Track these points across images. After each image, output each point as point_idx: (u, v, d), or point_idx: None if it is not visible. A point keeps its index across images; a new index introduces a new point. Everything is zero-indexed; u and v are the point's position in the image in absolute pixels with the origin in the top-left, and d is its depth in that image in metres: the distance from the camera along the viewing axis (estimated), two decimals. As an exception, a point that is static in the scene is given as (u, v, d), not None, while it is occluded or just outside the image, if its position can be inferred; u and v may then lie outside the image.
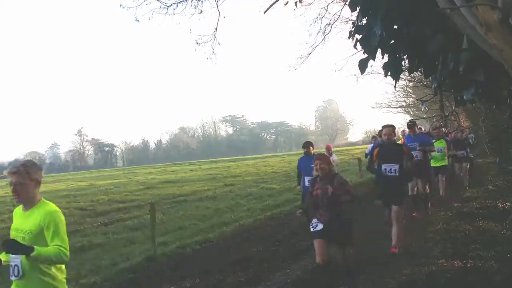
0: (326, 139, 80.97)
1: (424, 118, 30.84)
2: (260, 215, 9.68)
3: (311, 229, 4.17)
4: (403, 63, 3.61)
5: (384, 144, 5.60)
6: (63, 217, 2.55)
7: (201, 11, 8.07)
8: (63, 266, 2.59)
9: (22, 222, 2.52)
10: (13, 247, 2.26)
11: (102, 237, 8.56)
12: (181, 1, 7.93)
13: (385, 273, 4.54)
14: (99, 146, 78.61)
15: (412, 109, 33.61)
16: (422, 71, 3.57)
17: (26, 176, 2.48)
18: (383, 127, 6.51)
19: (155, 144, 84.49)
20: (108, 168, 60.30)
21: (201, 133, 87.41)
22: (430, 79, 3.69)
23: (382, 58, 3.48)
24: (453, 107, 18.68)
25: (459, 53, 2.83)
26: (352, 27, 3.62)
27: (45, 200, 2.61)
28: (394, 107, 34.59)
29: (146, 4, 7.80)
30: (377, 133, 8.34)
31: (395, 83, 4.07)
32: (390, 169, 5.38)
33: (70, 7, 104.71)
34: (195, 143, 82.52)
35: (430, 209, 7.73)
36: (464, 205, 7.76)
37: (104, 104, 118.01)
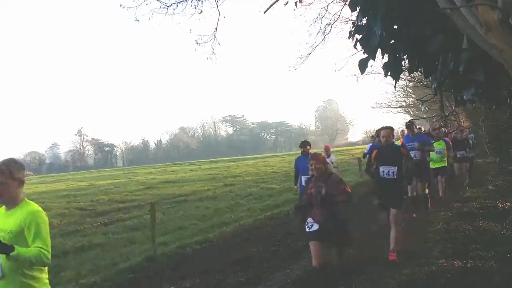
0: (326, 139, 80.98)
1: (424, 118, 30.87)
2: (260, 215, 9.68)
3: (307, 229, 4.11)
4: (403, 63, 3.61)
5: (382, 146, 5.47)
6: (46, 218, 2.47)
7: (201, 11, 8.08)
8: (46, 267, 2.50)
9: (3, 222, 2.45)
10: None
11: (102, 237, 8.56)
12: (181, 1, 7.94)
13: (385, 273, 4.53)
14: (99, 146, 78.62)
15: (412, 109, 33.64)
16: (422, 71, 3.57)
17: (8, 176, 2.42)
18: (381, 128, 6.46)
19: (155, 144, 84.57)
20: (108, 168, 60.30)
21: (201, 133, 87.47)
22: (430, 79, 3.69)
23: (382, 58, 3.48)
24: (453, 107, 18.69)
25: (459, 53, 2.83)
26: (352, 27, 3.62)
27: (28, 200, 2.55)
28: (394, 107, 34.66)
29: (146, 4, 7.81)
30: (374, 133, 8.16)
31: (395, 83, 4.07)
32: (388, 171, 5.25)
33: (70, 7, 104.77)
34: (195, 143, 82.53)
35: (430, 209, 7.72)
36: (464, 205, 7.76)
37: (104, 104, 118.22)
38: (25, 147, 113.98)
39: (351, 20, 7.44)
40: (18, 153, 72.99)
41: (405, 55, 3.51)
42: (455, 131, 11.77)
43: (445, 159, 8.81)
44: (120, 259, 6.58)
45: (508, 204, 7.28)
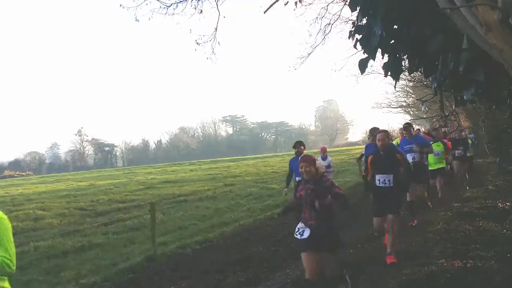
0: (326, 139, 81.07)
1: (424, 118, 30.89)
2: (260, 215, 9.68)
3: (298, 237, 3.82)
4: (403, 63, 3.61)
5: (379, 151, 5.23)
6: (9, 225, 2.36)
7: (201, 11, 8.09)
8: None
9: None
10: None
11: (102, 237, 8.57)
12: (181, 1, 7.95)
13: (385, 273, 4.54)
14: (99, 146, 78.64)
15: (412, 109, 33.66)
16: (422, 71, 3.56)
17: None
18: (374, 128, 6.36)
19: (155, 144, 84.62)
20: (108, 168, 60.31)
21: (201, 133, 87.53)
22: (430, 79, 3.68)
23: (382, 58, 3.47)
24: (453, 107, 18.69)
25: (459, 53, 2.82)
26: (352, 27, 3.62)
27: None
28: (394, 107, 34.67)
29: (146, 4, 7.83)
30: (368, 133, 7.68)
31: (395, 83, 4.07)
32: (384, 180, 5.05)
33: (70, 7, 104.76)
34: (195, 143, 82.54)
35: (429, 206, 7.67)
36: (464, 205, 7.76)
37: (104, 104, 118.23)
38: (25, 147, 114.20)
39: (351, 20, 7.45)
40: (18, 153, 73.22)
41: (405, 55, 3.50)
42: (455, 131, 11.75)
43: (443, 160, 8.77)
44: (120, 259, 6.58)
45: (508, 204, 7.28)
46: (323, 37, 12.60)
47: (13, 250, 2.28)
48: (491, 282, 3.83)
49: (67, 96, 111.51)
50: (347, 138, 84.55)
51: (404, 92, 31.36)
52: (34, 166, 70.30)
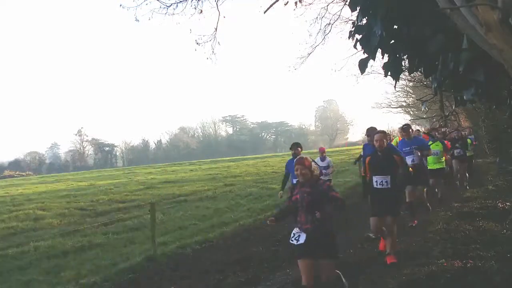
0: (326, 139, 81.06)
1: (424, 118, 30.92)
2: (260, 215, 9.68)
3: (294, 242, 3.73)
4: (403, 63, 3.61)
5: (376, 152, 5.21)
6: None
7: (201, 11, 8.08)
8: None
9: None
10: None
11: (102, 237, 8.58)
12: (181, 1, 7.94)
13: (385, 273, 4.54)
14: (99, 146, 78.60)
15: (412, 109, 33.68)
16: (422, 71, 3.56)
17: None
18: (371, 128, 6.33)
19: (155, 144, 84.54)
20: (108, 168, 60.29)
21: (201, 133, 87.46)
22: (430, 79, 3.68)
23: (382, 58, 3.47)
24: (453, 107, 18.70)
25: (459, 53, 2.82)
26: (352, 27, 3.62)
27: None
28: (394, 107, 34.70)
29: (146, 4, 7.82)
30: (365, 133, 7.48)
31: (395, 83, 4.06)
32: (382, 181, 5.03)
33: (70, 7, 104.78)
34: (195, 143, 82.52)
35: (429, 208, 7.66)
36: (464, 205, 7.76)
37: (104, 104, 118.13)
38: (25, 147, 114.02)
39: (351, 20, 7.45)
40: (18, 153, 73.20)
41: (405, 55, 3.50)
42: (454, 132, 11.73)
43: (442, 160, 8.73)
44: (120, 259, 6.59)
45: (508, 204, 7.29)
46: (323, 37, 12.61)
47: None
48: (491, 282, 3.83)
49: (67, 96, 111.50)
50: (347, 138, 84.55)
51: (404, 92, 31.41)
52: (34, 166, 70.27)
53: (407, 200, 6.83)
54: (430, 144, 8.24)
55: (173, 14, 7.99)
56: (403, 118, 38.03)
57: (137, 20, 7.92)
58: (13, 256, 7.60)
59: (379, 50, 3.40)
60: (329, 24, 12.24)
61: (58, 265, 6.77)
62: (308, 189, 3.72)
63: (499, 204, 7.41)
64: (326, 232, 3.67)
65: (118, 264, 6.28)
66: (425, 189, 7.65)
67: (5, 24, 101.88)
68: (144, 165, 54.57)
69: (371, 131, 6.13)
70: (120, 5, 7.70)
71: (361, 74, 3.65)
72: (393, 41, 3.37)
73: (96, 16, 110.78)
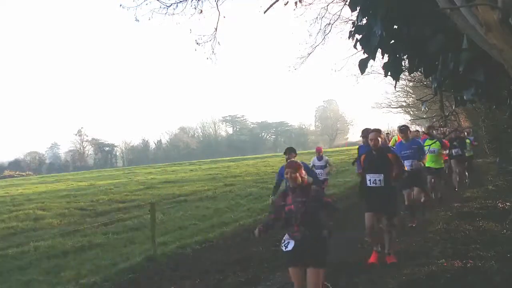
0: (326, 139, 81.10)
1: (424, 118, 30.86)
2: (260, 215, 9.69)
3: (283, 249, 3.63)
4: (403, 63, 3.61)
5: (371, 150, 5.21)
6: None
7: (201, 11, 8.06)
8: None
9: None
10: None
11: (102, 237, 8.58)
12: (181, 1, 7.92)
13: (385, 273, 4.54)
14: (99, 146, 78.57)
15: (412, 109, 33.66)
16: (422, 71, 3.56)
17: None
18: (367, 129, 6.32)
19: (155, 144, 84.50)
20: (108, 168, 60.26)
21: (201, 133, 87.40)
22: (430, 79, 3.68)
23: (382, 58, 3.47)
24: (453, 107, 18.65)
25: (459, 53, 2.83)
26: (352, 27, 3.62)
27: None
28: (394, 107, 34.72)
29: (146, 4, 7.79)
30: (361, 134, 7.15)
31: (395, 83, 4.07)
32: (375, 180, 5.03)
33: (70, 7, 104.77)
34: (195, 143, 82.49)
35: (428, 208, 7.65)
36: (464, 205, 7.77)
37: (104, 104, 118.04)
38: (25, 147, 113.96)
39: (351, 20, 7.43)
40: (18, 153, 73.19)
41: (405, 55, 3.50)
42: (453, 132, 11.72)
43: (441, 160, 8.69)
44: (120, 259, 6.59)
45: (508, 204, 7.29)
46: (323, 37, 12.56)
47: None
48: (491, 282, 3.83)
49: (67, 96, 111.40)
50: (347, 138, 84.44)
51: (404, 92, 31.38)
52: (34, 166, 70.24)
53: (405, 203, 6.83)
54: (430, 144, 8.20)
55: (173, 14, 7.97)
56: (403, 118, 38.11)
57: (137, 20, 7.90)
58: (13, 256, 7.61)
59: (379, 50, 3.40)
60: (329, 24, 12.21)
61: (58, 265, 6.77)
62: (301, 198, 3.59)
63: (499, 204, 7.41)
64: (317, 239, 3.55)
65: (118, 264, 6.28)
66: (423, 194, 7.48)
67: (5, 24, 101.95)
68: (144, 165, 54.56)
69: (366, 132, 6.16)
70: (120, 5, 7.68)
71: (361, 74, 3.64)
72: (393, 41, 3.37)
73: (96, 16, 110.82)
